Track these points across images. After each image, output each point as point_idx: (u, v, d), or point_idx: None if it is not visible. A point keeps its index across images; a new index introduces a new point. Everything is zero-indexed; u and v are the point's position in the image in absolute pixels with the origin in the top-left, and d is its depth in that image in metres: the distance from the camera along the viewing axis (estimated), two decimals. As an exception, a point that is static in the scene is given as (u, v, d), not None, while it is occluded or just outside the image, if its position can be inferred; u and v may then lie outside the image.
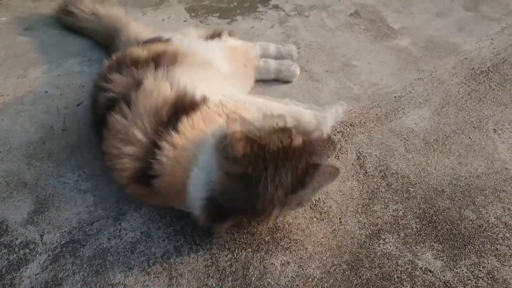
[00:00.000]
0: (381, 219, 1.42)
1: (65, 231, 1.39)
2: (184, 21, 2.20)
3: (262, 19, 2.22)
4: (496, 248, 1.34)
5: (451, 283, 1.26)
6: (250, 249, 1.34)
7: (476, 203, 1.45)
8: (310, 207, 1.44)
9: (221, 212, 1.21)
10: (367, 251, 1.34)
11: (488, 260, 1.31)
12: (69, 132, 1.67)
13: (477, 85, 1.86)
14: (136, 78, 1.39)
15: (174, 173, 1.23)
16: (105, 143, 1.36)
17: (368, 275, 1.28)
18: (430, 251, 1.34)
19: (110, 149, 1.33)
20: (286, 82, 1.87)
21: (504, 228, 1.39)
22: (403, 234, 1.38)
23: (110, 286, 1.26)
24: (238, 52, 1.76)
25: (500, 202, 1.46)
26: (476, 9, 2.26)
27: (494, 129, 1.68)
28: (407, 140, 1.65)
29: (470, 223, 1.40)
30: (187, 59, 1.50)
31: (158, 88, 1.34)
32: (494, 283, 1.26)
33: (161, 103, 1.30)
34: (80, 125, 1.69)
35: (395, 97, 1.81)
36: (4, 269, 1.30)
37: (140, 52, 1.51)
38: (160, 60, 1.44)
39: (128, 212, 1.43)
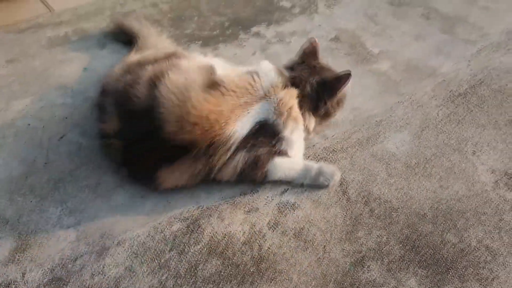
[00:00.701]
0: (365, 245, 1.43)
1: (47, 269, 1.37)
2: (167, 49, 2.22)
3: (244, 46, 2.25)
4: (478, 272, 1.35)
5: (436, 310, 1.27)
6: (235, 281, 1.34)
7: (457, 227, 1.47)
8: (295, 235, 1.45)
9: None
10: (352, 279, 1.34)
11: (471, 285, 1.33)
12: (52, 166, 1.66)
13: (456, 107, 1.90)
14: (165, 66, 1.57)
15: None
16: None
17: (353, 304, 1.28)
18: (414, 277, 1.34)
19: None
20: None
21: (485, 251, 1.40)
22: (386, 261, 1.39)
23: (93, 325, 1.24)
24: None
25: (481, 225, 1.48)
26: (453, 31, 2.32)
27: (474, 151, 1.71)
28: (389, 164, 1.67)
29: (453, 247, 1.42)
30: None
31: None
32: (477, 308, 1.27)
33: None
34: (63, 158, 1.69)
35: (376, 121, 1.84)
36: (-16, 311, 1.27)
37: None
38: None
39: (111, 246, 1.42)
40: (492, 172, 1.63)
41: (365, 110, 1.89)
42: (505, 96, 1.95)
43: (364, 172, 1.64)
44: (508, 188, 1.58)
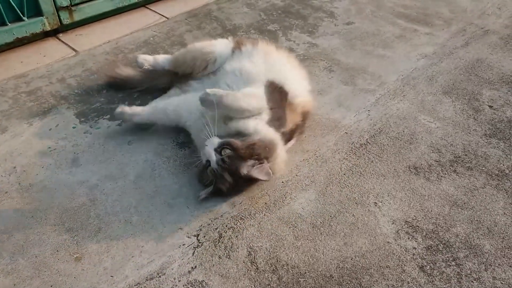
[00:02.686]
0: (273, 319, 1.41)
1: None
2: (74, 127, 2.17)
3: (153, 116, 2.25)
4: (382, 332, 1.37)
5: None
6: None
7: (362, 285, 1.49)
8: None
9: None
10: None
11: None
12: None
13: (358, 159, 1.97)
14: None
15: None
16: None
17: None
18: None
19: None
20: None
21: (389, 308, 1.43)
22: (294, 333, 1.37)
23: None
24: None
25: (385, 279, 1.51)
26: (353, 83, 2.46)
27: (375, 203, 1.77)
28: (296, 227, 1.69)
29: (358, 308, 1.43)
30: None
31: None
32: None
33: None
34: None
35: (282, 182, 1.87)
36: None
37: None
38: None
39: None
40: (393, 223, 1.69)
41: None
42: (402, 142, 2.06)
43: (271, 238, 1.65)
44: (409, 237, 1.64)
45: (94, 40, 2.88)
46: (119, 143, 2.08)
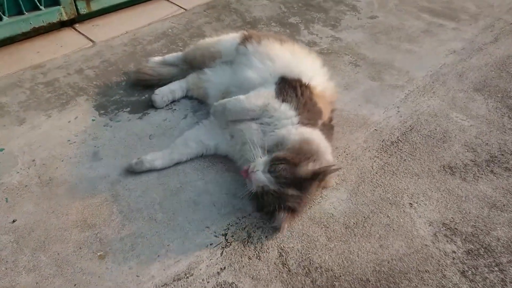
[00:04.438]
0: (308, 325, 1.33)
1: None
2: (93, 120, 2.11)
3: (175, 109, 2.18)
4: None
5: None
6: None
7: (401, 290, 1.42)
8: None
9: None
10: None
11: None
12: None
13: (389, 157, 1.89)
14: None
15: None
16: None
17: None
18: None
19: None
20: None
21: (431, 315, 1.35)
22: None
23: None
24: None
25: (425, 284, 1.43)
26: (380, 78, 2.37)
27: (410, 203, 1.70)
28: (328, 228, 1.61)
29: (398, 314, 1.36)
30: None
31: None
32: None
33: None
34: None
35: (312, 180, 1.79)
36: None
37: None
38: None
39: None
40: (430, 225, 1.61)
41: (301, 169, 1.85)
42: (435, 141, 1.98)
43: (303, 239, 1.57)
44: (448, 240, 1.56)
45: (111, 31, 2.81)
46: (140, 137, 2.01)
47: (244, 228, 1.61)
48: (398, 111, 2.15)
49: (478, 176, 1.80)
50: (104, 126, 2.07)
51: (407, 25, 2.88)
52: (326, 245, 1.55)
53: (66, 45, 2.66)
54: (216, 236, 1.58)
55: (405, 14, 3.00)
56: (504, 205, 1.68)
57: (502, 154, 1.90)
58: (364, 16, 2.99)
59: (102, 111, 2.16)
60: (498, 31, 2.79)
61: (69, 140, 1.99)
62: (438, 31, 2.81)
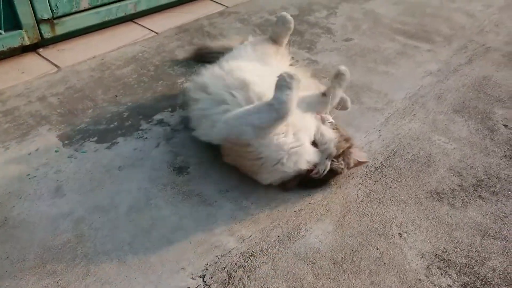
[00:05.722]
0: None
1: None
2: (56, 151, 1.94)
3: (146, 138, 2.04)
4: None
5: None
6: None
7: (397, 332, 1.30)
8: None
9: None
10: None
11: None
12: None
13: (374, 184, 1.81)
14: None
15: None
16: None
17: None
18: None
19: None
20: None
21: None
22: None
23: None
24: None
25: (421, 324, 1.32)
26: (359, 101, 2.31)
27: (399, 234, 1.60)
28: (314, 264, 1.49)
29: None
30: None
31: None
32: None
33: None
34: None
35: (295, 211, 1.68)
36: None
37: None
38: None
39: None
40: (422, 257, 1.52)
41: (282, 199, 1.74)
42: (420, 165, 1.91)
43: (289, 278, 1.45)
44: (442, 273, 1.46)
45: (78, 56, 2.67)
46: (108, 169, 1.86)
47: (224, 268, 1.47)
48: (380, 135, 2.08)
49: (466, 202, 1.73)
50: (68, 157, 1.91)
51: (382, 47, 2.86)
52: (313, 284, 1.43)
53: (28, 71, 2.50)
54: (193, 279, 1.44)
55: (379, 36, 2.99)
56: (496, 232, 1.61)
57: (488, 178, 1.84)
58: (339, 38, 2.96)
59: (66, 142, 2.00)
60: (472, 52, 2.81)
61: (28, 175, 1.81)
62: (414, 52, 2.80)
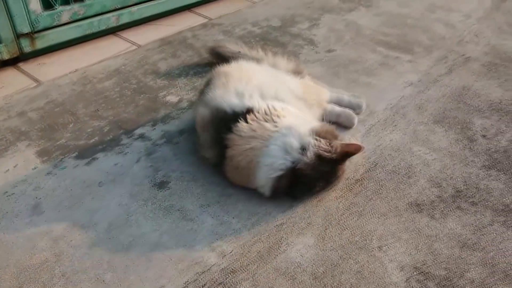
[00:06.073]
0: None
1: None
2: (34, 168, 1.91)
3: (127, 153, 2.03)
4: None
5: None
6: None
7: None
8: None
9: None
10: None
11: None
12: None
13: (355, 196, 1.81)
14: None
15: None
16: None
17: None
18: None
19: None
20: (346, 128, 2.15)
21: None
22: None
23: None
24: (311, 88, 2.13)
25: (401, 338, 1.32)
26: (341, 112, 2.32)
27: (379, 247, 1.61)
28: (295, 279, 1.49)
29: None
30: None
31: None
32: None
33: None
34: None
35: (276, 225, 1.68)
36: None
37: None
38: None
39: None
40: (402, 269, 1.52)
41: (264, 213, 1.73)
42: (400, 176, 1.92)
43: (269, 294, 1.44)
44: (421, 286, 1.47)
45: (59, 70, 2.65)
46: (88, 185, 1.84)
47: (204, 285, 1.46)
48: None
49: (445, 213, 1.74)
50: (47, 174, 1.88)
51: (364, 58, 2.89)
52: (294, 299, 1.43)
53: (7, 85, 2.47)
54: (172, 297, 1.42)
55: (362, 47, 3.02)
56: (474, 243, 1.62)
57: (467, 188, 1.86)
58: (322, 50, 2.99)
59: (45, 158, 1.98)
60: (452, 62, 2.85)
61: (6, 192, 1.79)
62: (395, 63, 2.83)
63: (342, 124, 2.16)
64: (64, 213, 1.70)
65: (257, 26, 3.26)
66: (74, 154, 2.00)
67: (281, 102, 1.81)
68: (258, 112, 1.69)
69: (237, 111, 1.70)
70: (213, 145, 1.74)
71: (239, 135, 1.66)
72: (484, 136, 2.18)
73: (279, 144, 1.63)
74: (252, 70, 1.98)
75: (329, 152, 1.65)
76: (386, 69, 2.77)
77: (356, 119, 2.20)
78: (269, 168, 1.64)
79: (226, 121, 1.69)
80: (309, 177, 1.66)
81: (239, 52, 2.43)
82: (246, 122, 1.68)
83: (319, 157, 1.63)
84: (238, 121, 1.67)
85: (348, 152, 1.69)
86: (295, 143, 1.63)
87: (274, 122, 1.67)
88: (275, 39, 3.10)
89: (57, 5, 2.70)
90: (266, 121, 1.67)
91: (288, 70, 2.19)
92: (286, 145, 1.63)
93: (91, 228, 1.65)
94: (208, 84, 1.97)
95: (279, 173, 1.64)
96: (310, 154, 1.62)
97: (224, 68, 2.01)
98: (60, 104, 2.33)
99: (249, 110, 1.69)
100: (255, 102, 1.74)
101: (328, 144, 1.65)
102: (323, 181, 1.71)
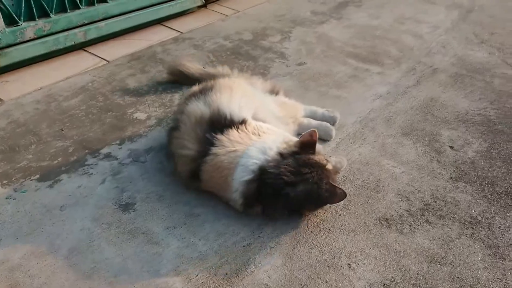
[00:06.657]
0: None
1: None
2: (-7, 192, 1.84)
3: (92, 173, 1.97)
4: None
5: None
6: None
7: None
8: None
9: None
10: None
11: None
12: None
13: (324, 213, 1.80)
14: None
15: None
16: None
17: None
18: None
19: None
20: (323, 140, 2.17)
21: None
22: None
23: None
24: (287, 105, 2.19)
25: None
26: (311, 127, 2.31)
27: (348, 264, 1.59)
28: (262, 302, 1.45)
29: None
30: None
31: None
32: None
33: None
34: None
35: (243, 246, 1.65)
36: None
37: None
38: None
39: None
40: (370, 287, 1.51)
41: (231, 233, 1.70)
42: (369, 191, 1.92)
43: (235, 318, 1.40)
44: (389, 304, 1.46)
45: (23, 88, 2.57)
46: (49, 209, 1.78)
47: (168, 312, 1.41)
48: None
49: (414, 228, 1.74)
50: (6, 199, 1.81)
51: (334, 70, 2.90)
52: (261, 323, 1.39)
53: (-33, 105, 2.38)
54: (134, 326, 1.37)
55: (332, 60, 3.04)
56: (442, 258, 1.62)
57: (435, 201, 1.87)
58: (293, 63, 2.99)
59: (5, 181, 1.90)
60: (420, 74, 2.89)
61: (-39, 220, 1.70)
62: (364, 75, 2.86)
63: (320, 137, 2.12)
64: (22, 240, 1.63)
65: (228, 39, 3.24)
66: (36, 177, 1.93)
67: (267, 123, 1.93)
68: (249, 125, 1.82)
69: (234, 119, 1.80)
70: (198, 141, 1.77)
71: (228, 138, 1.74)
72: (451, 147, 2.20)
73: (258, 146, 1.72)
74: (250, 91, 2.07)
75: (288, 147, 1.73)
76: (356, 81, 2.79)
77: (333, 131, 2.22)
78: (244, 169, 1.67)
79: (222, 123, 1.79)
80: (274, 176, 1.64)
81: (204, 68, 2.48)
82: (237, 130, 1.78)
83: (280, 154, 1.70)
84: (231, 127, 1.78)
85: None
86: (273, 147, 1.73)
87: (259, 135, 1.80)
88: (246, 53, 3.09)
89: (21, 21, 2.63)
90: (253, 134, 1.79)
91: (265, 91, 2.24)
92: (265, 148, 1.72)
93: (51, 255, 1.58)
94: (192, 96, 1.99)
95: (251, 175, 1.65)
96: (272, 153, 1.71)
97: (228, 82, 2.06)
98: (22, 124, 2.26)
99: (243, 122, 1.82)
100: (250, 118, 1.88)
101: (288, 144, 1.75)
102: (288, 178, 1.65)
